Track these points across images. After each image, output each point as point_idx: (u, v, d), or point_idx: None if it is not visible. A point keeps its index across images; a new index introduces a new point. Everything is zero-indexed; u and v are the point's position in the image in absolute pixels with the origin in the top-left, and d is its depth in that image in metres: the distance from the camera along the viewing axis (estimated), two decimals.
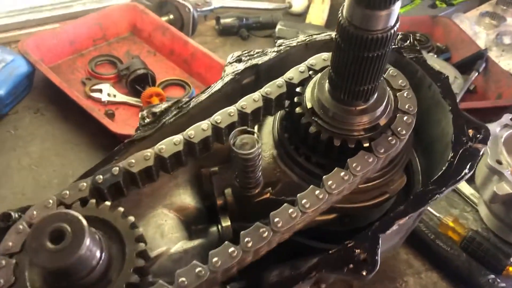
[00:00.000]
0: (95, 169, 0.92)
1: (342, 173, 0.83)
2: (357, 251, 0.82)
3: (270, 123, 1.02)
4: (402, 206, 0.87)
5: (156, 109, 0.99)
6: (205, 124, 0.88)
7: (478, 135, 0.93)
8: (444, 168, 0.90)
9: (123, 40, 2.00)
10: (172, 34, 1.90)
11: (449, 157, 0.91)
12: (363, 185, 0.93)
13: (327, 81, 0.88)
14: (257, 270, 0.91)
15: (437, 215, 1.40)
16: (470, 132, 0.94)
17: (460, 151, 0.91)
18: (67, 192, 0.80)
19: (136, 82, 1.72)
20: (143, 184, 0.88)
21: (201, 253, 0.92)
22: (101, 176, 0.82)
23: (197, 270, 0.73)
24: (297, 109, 0.91)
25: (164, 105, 0.99)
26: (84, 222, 0.68)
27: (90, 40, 1.92)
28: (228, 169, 0.96)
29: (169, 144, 0.86)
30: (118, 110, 1.69)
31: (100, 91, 1.72)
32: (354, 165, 0.84)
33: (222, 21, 2.13)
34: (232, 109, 0.90)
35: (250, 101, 0.91)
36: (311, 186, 0.82)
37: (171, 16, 2.03)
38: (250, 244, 0.76)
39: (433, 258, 1.31)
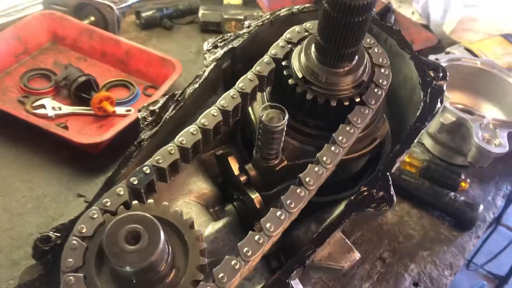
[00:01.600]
0: (113, 176, 0.94)
1: (348, 127, 0.95)
2: (374, 191, 0.94)
3: (259, 100, 1.10)
4: (398, 145, 1.00)
5: (154, 107, 1.01)
6: (214, 110, 0.94)
7: (438, 74, 1.09)
8: (421, 107, 1.05)
9: (47, 51, 1.91)
10: (100, 36, 1.86)
11: (422, 97, 1.06)
12: (358, 135, 1.04)
13: (313, 49, 0.97)
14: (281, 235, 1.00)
15: None
16: (431, 72, 1.09)
17: (429, 90, 1.06)
18: (108, 200, 0.82)
19: (81, 90, 1.67)
20: (170, 177, 0.91)
21: (233, 229, 0.99)
22: (134, 178, 0.85)
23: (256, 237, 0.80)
24: (290, 81, 0.99)
25: (161, 101, 1.02)
26: (152, 218, 0.72)
27: (12, 56, 1.81)
28: (234, 144, 1.02)
29: (188, 135, 0.91)
30: (69, 122, 1.64)
31: (43, 106, 1.65)
32: (355, 118, 0.95)
33: (143, 14, 2.11)
34: (233, 92, 0.96)
35: (247, 82, 0.98)
36: (326, 144, 0.93)
37: (92, 18, 1.97)
38: (293, 205, 0.84)
39: (402, 191, 1.49)
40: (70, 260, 0.75)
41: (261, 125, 0.86)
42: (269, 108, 0.86)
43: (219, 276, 0.77)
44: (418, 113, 1.04)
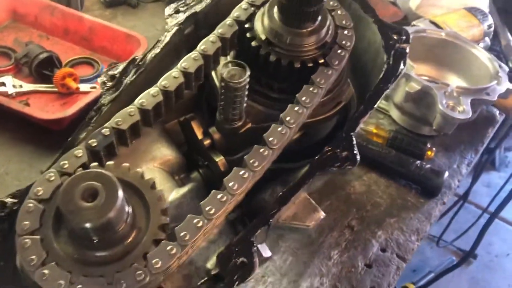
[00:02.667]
0: (73, 140, 0.91)
1: (311, 88, 0.94)
2: (338, 151, 0.94)
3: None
4: (362, 106, 1.00)
5: (114, 72, 0.99)
6: (175, 72, 0.92)
7: (401, 37, 1.10)
8: (384, 69, 1.05)
9: (6, 29, 1.84)
10: (62, 12, 1.81)
11: (385, 59, 1.07)
12: (323, 99, 1.04)
13: (276, 10, 0.96)
14: (246, 199, 0.99)
15: (362, 126, 1.60)
16: (395, 36, 1.10)
17: (392, 52, 1.07)
18: (65, 162, 0.80)
19: (42, 67, 1.62)
20: (131, 141, 0.89)
21: (197, 193, 0.98)
22: (94, 140, 0.82)
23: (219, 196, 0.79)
24: (253, 43, 0.98)
25: (121, 66, 1.00)
26: (110, 174, 0.70)
27: None
28: (200, 113, 1.01)
29: (149, 97, 0.89)
30: (31, 100, 1.59)
31: (3, 84, 1.59)
32: (318, 79, 0.95)
33: None
34: (195, 54, 0.95)
35: (209, 44, 0.96)
36: (289, 105, 0.92)
37: None
38: (256, 163, 0.84)
39: (370, 161, 1.50)
40: (26, 223, 0.73)
41: (222, 84, 0.84)
42: (230, 65, 0.85)
43: (181, 235, 0.76)
44: (381, 75, 1.04)
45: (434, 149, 1.51)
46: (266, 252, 0.98)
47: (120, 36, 1.75)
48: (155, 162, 1.00)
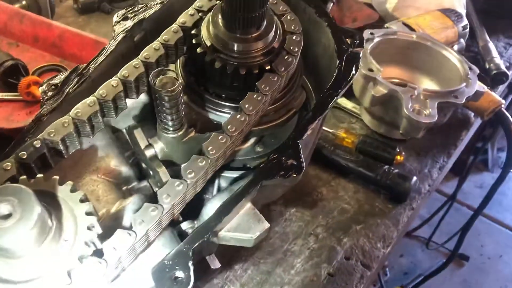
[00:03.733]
0: (9, 152, 0.89)
1: (255, 95, 0.92)
2: (283, 159, 0.92)
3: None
4: (310, 112, 0.98)
5: (56, 81, 0.97)
6: (114, 80, 0.90)
7: (355, 41, 1.07)
8: (335, 74, 1.03)
9: None
10: (31, 19, 1.78)
11: (337, 64, 1.04)
12: (273, 106, 1.02)
13: (220, 16, 0.94)
14: (197, 207, 0.97)
15: (331, 130, 1.57)
16: (348, 40, 1.07)
17: (344, 56, 1.04)
18: None
19: (8, 76, 1.60)
20: (68, 152, 0.87)
21: (140, 205, 0.95)
22: (24, 152, 0.80)
23: (150, 209, 0.77)
24: (198, 49, 0.96)
25: (63, 75, 0.98)
26: (28, 189, 0.68)
27: None
28: (147, 122, 0.99)
29: (84, 107, 0.86)
30: None
31: None
32: (263, 86, 0.93)
33: None
34: (136, 61, 0.93)
35: (151, 51, 0.94)
36: (232, 113, 0.90)
37: (24, 2, 1.89)
38: (192, 175, 0.81)
39: (337, 167, 1.48)
40: None
41: (154, 93, 0.82)
42: (162, 74, 0.82)
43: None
44: (331, 80, 1.02)
45: (403, 153, 1.49)
46: (214, 263, 0.96)
47: (89, 42, 1.73)
48: (99, 173, 0.97)
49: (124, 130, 1.04)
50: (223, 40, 0.94)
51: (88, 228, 0.74)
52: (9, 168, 0.79)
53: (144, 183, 1.03)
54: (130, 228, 0.76)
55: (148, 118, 1.05)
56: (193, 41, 0.97)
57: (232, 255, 1.24)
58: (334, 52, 1.07)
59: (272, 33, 0.96)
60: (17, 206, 0.66)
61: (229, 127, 0.88)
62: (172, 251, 0.81)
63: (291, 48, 0.98)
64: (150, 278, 0.81)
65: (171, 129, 0.90)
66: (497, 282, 3.73)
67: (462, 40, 1.84)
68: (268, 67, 0.95)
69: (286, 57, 0.97)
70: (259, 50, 0.95)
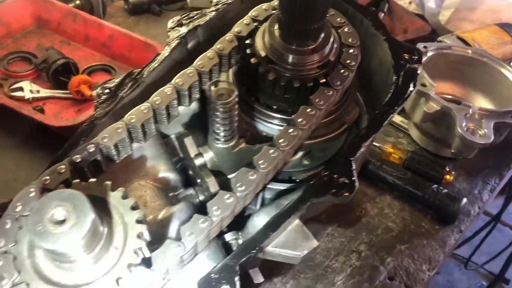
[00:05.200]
0: (63, 153, 0.90)
1: (308, 110, 0.89)
2: (335, 176, 0.89)
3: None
4: (364, 130, 0.95)
5: (110, 85, 0.97)
6: (168, 88, 0.89)
7: (413, 57, 1.03)
8: (392, 90, 0.99)
9: (30, 34, 1.88)
10: (84, 19, 1.82)
11: (394, 79, 1.01)
12: (325, 120, 0.99)
13: (277, 27, 0.92)
14: (241, 217, 0.96)
15: (377, 145, 1.53)
16: (406, 55, 1.04)
17: (402, 72, 1.01)
18: (47, 177, 0.78)
19: (59, 74, 1.64)
20: (119, 158, 0.87)
21: (188, 213, 0.95)
22: (78, 156, 0.81)
23: (200, 221, 0.76)
24: (252, 60, 0.94)
25: (117, 79, 0.98)
26: (83, 196, 0.68)
27: None
28: (196, 130, 0.98)
29: (138, 113, 0.86)
30: (46, 105, 1.61)
31: (21, 89, 1.62)
32: (317, 100, 0.90)
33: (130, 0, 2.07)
34: (190, 69, 0.92)
35: (206, 59, 0.93)
36: (284, 126, 0.88)
37: (78, 2, 1.94)
38: (243, 188, 0.80)
39: (383, 183, 1.43)
40: (1, 239, 0.72)
41: (210, 104, 0.81)
42: (218, 85, 0.81)
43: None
44: (388, 97, 0.98)
45: (453, 173, 1.43)
46: (258, 278, 0.94)
47: (138, 44, 1.75)
48: (148, 178, 0.97)
49: (173, 137, 1.04)
50: (278, 51, 0.92)
51: (138, 237, 0.73)
52: (63, 171, 0.79)
53: (191, 191, 1.02)
54: (178, 239, 0.75)
55: (197, 126, 1.04)
56: (247, 51, 0.96)
57: (272, 267, 1.22)
58: (391, 67, 1.03)
59: (329, 46, 0.94)
60: (71, 212, 0.66)
61: (280, 141, 0.86)
62: (219, 265, 0.80)
63: (348, 62, 0.95)
64: None
65: (222, 139, 0.88)
66: None
67: None
68: (323, 81, 0.93)
69: (342, 71, 0.94)
70: (315, 63, 0.93)
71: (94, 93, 0.96)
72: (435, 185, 1.39)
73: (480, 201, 1.46)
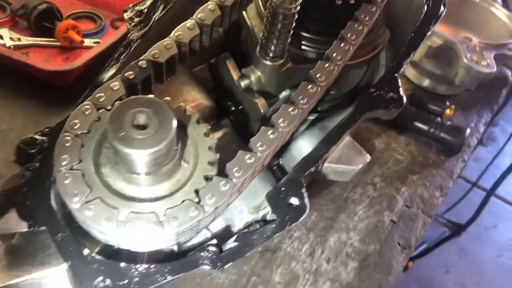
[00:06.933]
0: (101, 77, 0.84)
1: (356, 24, 0.89)
2: (382, 92, 0.89)
3: (253, 7, 1.01)
4: (404, 48, 0.95)
5: (142, 7, 0.91)
6: (211, 4, 0.85)
7: None
8: (424, 10, 1.00)
9: None
10: None
11: (424, 1, 1.02)
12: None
13: None
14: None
15: None
16: None
17: None
18: (102, 94, 0.73)
19: (42, 19, 1.52)
20: (167, 78, 0.83)
21: (233, 139, 0.92)
22: (131, 72, 0.75)
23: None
24: None
25: (149, 1, 0.92)
26: (162, 101, 0.64)
27: None
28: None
29: (185, 30, 0.82)
30: (31, 54, 1.49)
31: (0, 37, 1.49)
32: (362, 16, 0.89)
33: None
34: None
35: None
36: (335, 41, 0.86)
37: None
38: (305, 101, 0.78)
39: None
40: (65, 156, 0.66)
41: (270, 10, 0.78)
42: None
43: (234, 170, 0.70)
44: (422, 16, 0.99)
45: (453, 106, 1.48)
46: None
47: None
48: (186, 104, 0.93)
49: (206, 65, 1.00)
50: None
51: (211, 149, 0.70)
52: (117, 88, 0.74)
53: (225, 120, 1.00)
54: (250, 150, 0.73)
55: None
56: None
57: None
58: None
59: None
60: (153, 117, 0.62)
61: (334, 55, 0.84)
62: (284, 179, 0.79)
63: None
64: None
65: (274, 55, 0.85)
66: (493, 251, 3.83)
67: None
68: None
69: None
70: None
71: (125, 16, 0.90)
72: (439, 118, 1.44)
73: (477, 132, 1.53)
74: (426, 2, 1.01)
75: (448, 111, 1.48)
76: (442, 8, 1.01)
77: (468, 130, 1.41)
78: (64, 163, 0.65)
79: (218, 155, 0.70)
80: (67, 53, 1.52)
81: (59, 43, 1.51)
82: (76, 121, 0.69)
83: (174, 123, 0.62)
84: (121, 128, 0.60)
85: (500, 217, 4.05)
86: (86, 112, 0.71)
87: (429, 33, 0.97)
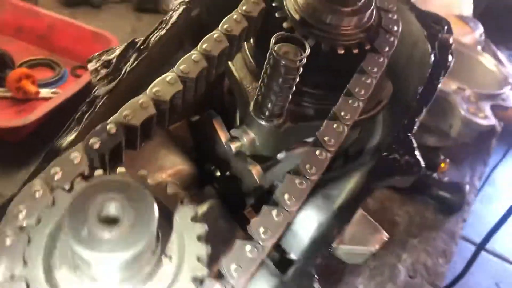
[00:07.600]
0: (58, 144, 0.67)
1: (363, 77, 0.76)
2: (397, 156, 0.76)
3: (240, 57, 0.88)
4: (415, 103, 0.84)
5: (109, 56, 0.76)
6: (195, 55, 0.71)
7: (442, 26, 0.95)
8: (431, 61, 0.90)
9: None
10: (14, 7, 1.54)
11: (430, 50, 0.91)
12: None
13: None
14: None
15: None
16: (435, 25, 0.95)
17: (436, 42, 0.92)
18: (57, 169, 0.56)
19: None
20: (141, 143, 0.67)
21: (220, 214, 0.76)
22: (97, 138, 0.59)
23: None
24: (285, 24, 0.79)
25: (118, 50, 0.77)
26: (140, 185, 0.48)
27: None
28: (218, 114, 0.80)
29: (164, 85, 0.67)
30: None
31: None
32: (369, 68, 0.78)
33: None
34: (217, 34, 0.74)
35: (233, 23, 0.76)
36: (342, 96, 0.74)
37: None
38: (313, 170, 0.64)
39: None
40: (3, 259, 0.48)
41: (271, 63, 0.64)
42: (281, 41, 0.65)
43: (232, 269, 0.54)
44: (428, 68, 0.89)
45: (447, 160, 1.38)
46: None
47: (86, 35, 1.50)
48: (163, 173, 0.77)
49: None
50: (316, 11, 0.78)
51: (200, 240, 0.54)
52: (77, 161, 0.57)
53: (208, 188, 0.84)
54: (249, 239, 0.57)
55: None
56: (277, 15, 0.80)
57: None
58: (419, 39, 0.94)
59: (370, 8, 0.82)
60: (127, 206, 0.46)
61: (342, 113, 0.71)
62: (291, 271, 0.63)
63: (390, 26, 0.84)
64: None
65: (268, 114, 0.71)
66: None
67: (479, 48, 1.79)
68: (368, 47, 0.80)
69: (386, 36, 0.82)
70: (357, 27, 0.80)
71: (89, 67, 0.74)
72: (435, 174, 1.33)
73: (474, 188, 1.42)
74: (432, 52, 0.90)
75: (442, 165, 1.38)
76: (450, 57, 0.91)
77: (467, 187, 1.31)
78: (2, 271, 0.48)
79: (209, 248, 0.54)
80: (21, 105, 1.35)
81: (11, 94, 1.33)
82: (22, 207, 0.52)
83: (155, 213, 0.46)
84: (83, 224, 0.44)
85: None
86: (37, 195, 0.53)
87: (439, 85, 0.86)
